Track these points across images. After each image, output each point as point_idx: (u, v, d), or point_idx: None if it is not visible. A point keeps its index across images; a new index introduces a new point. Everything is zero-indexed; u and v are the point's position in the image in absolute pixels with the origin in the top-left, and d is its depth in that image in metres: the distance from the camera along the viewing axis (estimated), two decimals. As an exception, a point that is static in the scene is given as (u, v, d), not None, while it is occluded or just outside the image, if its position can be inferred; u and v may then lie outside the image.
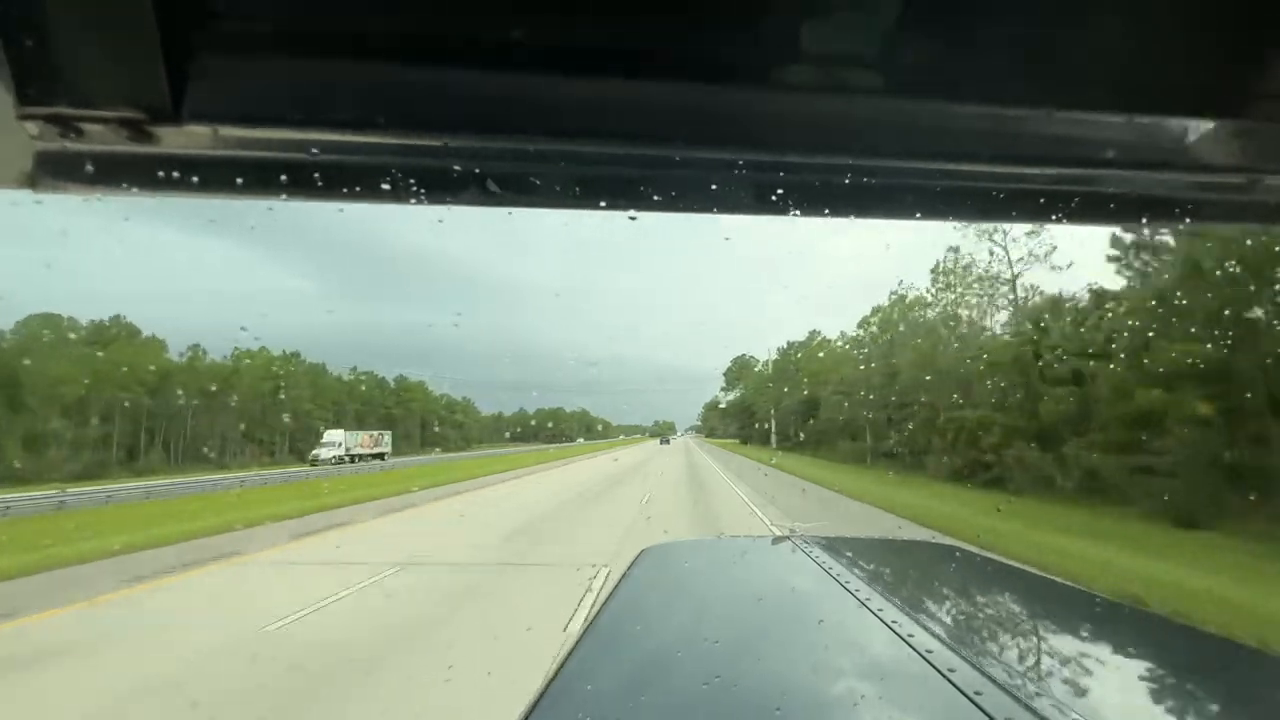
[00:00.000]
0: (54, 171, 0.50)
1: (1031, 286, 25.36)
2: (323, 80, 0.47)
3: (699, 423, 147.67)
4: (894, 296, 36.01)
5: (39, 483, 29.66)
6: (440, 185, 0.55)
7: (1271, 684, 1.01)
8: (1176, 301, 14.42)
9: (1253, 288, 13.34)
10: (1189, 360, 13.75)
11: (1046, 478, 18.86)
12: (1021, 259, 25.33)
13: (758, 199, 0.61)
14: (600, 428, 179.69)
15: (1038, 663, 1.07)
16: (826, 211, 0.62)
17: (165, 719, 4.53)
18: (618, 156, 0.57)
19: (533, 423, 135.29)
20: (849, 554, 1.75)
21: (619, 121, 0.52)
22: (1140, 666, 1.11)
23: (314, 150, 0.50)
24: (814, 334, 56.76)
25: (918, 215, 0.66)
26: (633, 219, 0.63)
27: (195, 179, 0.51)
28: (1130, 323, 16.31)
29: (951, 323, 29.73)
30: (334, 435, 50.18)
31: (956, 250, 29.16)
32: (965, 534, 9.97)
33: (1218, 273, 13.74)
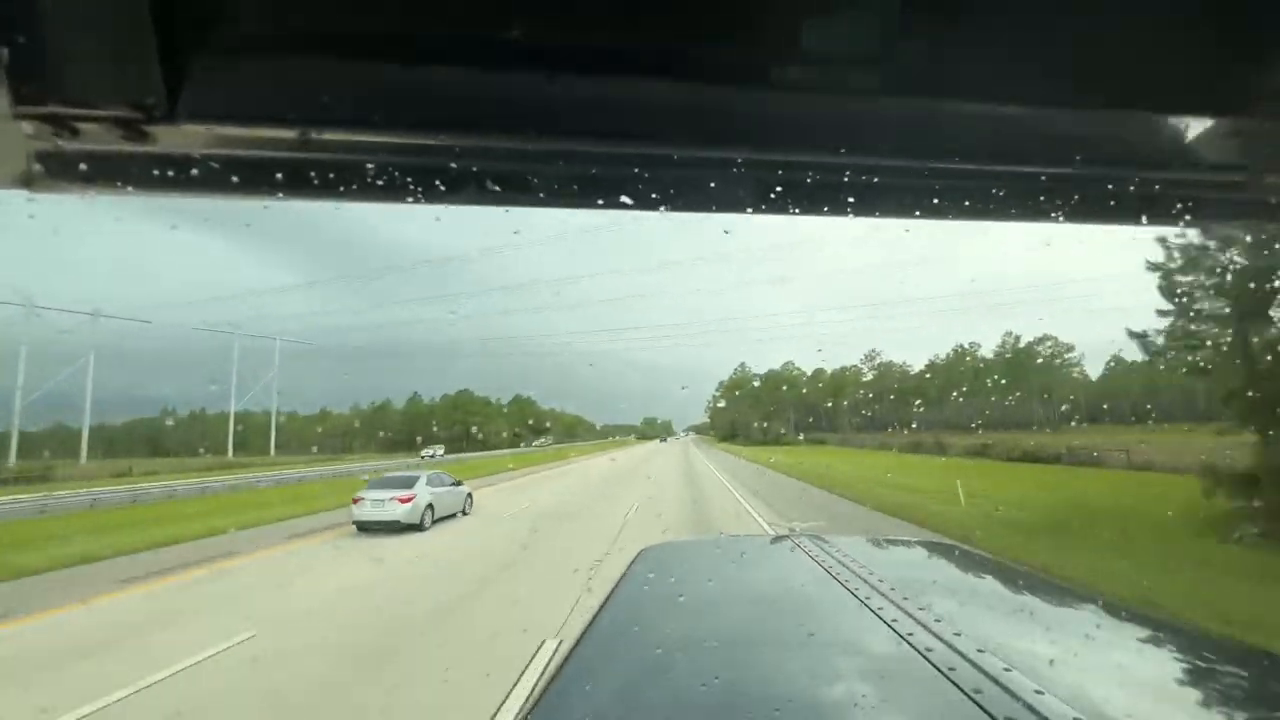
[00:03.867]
0: (50, 171, 0.50)
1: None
2: (319, 79, 0.47)
3: (708, 419, 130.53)
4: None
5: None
6: (437, 184, 0.55)
7: (1272, 684, 1.01)
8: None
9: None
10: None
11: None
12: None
13: (757, 198, 0.61)
14: (596, 429, 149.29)
15: (1037, 662, 1.07)
16: (825, 210, 0.62)
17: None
18: (616, 155, 0.56)
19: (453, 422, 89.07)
20: (848, 553, 1.75)
21: (618, 120, 0.52)
22: (1140, 666, 1.11)
23: (310, 149, 0.50)
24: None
25: (917, 214, 0.66)
26: (628, 205, 0.62)
27: (191, 178, 0.51)
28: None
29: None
30: None
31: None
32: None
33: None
